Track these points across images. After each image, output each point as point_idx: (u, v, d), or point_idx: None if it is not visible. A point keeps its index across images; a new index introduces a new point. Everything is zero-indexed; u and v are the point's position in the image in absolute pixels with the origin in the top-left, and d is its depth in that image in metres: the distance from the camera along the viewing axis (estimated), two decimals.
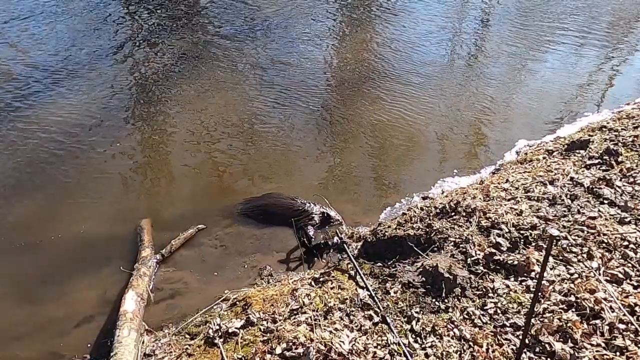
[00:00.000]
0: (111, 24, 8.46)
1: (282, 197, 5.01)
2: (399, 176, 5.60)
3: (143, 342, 3.51)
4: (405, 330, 3.14)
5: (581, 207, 3.97)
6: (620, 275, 3.28)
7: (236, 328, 3.30)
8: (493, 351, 2.94)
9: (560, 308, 3.09)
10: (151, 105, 6.55)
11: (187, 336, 3.55)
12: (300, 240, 4.52)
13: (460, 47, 8.47)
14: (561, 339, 2.92)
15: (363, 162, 5.76)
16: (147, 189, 5.35)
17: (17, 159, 5.48)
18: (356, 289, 3.52)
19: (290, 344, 3.01)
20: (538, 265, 3.42)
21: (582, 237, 3.64)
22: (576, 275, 3.32)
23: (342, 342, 3.02)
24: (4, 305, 4.04)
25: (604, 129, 5.33)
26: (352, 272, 3.74)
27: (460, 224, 3.96)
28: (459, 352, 2.95)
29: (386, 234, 4.11)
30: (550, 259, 3.47)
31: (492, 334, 3.04)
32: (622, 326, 2.92)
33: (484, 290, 3.33)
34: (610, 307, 3.03)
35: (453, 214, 4.13)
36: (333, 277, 3.70)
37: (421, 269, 3.51)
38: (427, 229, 3.95)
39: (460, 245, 3.69)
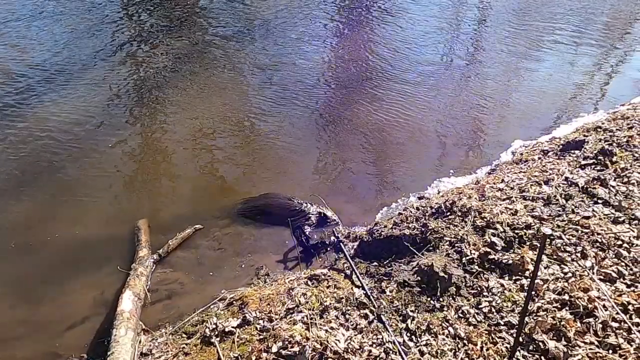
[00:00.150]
0: (110, 24, 8.48)
1: (280, 197, 5.03)
2: (396, 176, 5.62)
3: (140, 342, 3.53)
4: (401, 329, 3.16)
5: (575, 206, 4.00)
6: (614, 274, 3.31)
7: (233, 327, 3.32)
8: (487, 349, 2.97)
9: (554, 307, 3.12)
10: (150, 105, 6.57)
11: (184, 335, 3.57)
12: (298, 240, 4.54)
13: (457, 48, 8.50)
14: (555, 337, 2.95)
15: (360, 162, 5.79)
16: (144, 189, 5.36)
17: (16, 159, 5.50)
18: (352, 288, 3.54)
19: (286, 342, 3.03)
20: (532, 264, 3.45)
21: (577, 236, 3.67)
22: (570, 274, 3.35)
23: (338, 340, 3.04)
24: (2, 305, 4.05)
25: (599, 130, 5.36)
26: (348, 272, 3.76)
27: (456, 223, 3.98)
28: (453, 351, 2.98)
29: (382, 233, 4.14)
30: (545, 258, 3.50)
31: (487, 332, 3.07)
32: (615, 324, 2.95)
33: (478, 289, 3.36)
34: (604, 306, 3.06)
35: (449, 213, 4.16)
36: (329, 276, 3.72)
37: (417, 268, 3.54)
38: (423, 229, 3.98)
39: (456, 245, 3.72)
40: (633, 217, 3.79)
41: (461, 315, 3.20)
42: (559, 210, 3.98)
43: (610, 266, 3.38)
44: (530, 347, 2.92)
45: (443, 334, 3.09)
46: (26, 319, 3.93)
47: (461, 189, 4.86)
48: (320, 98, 6.93)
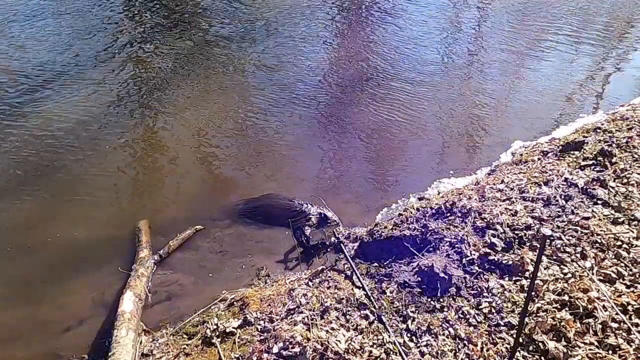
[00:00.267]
0: (111, 25, 8.48)
1: (280, 198, 5.04)
2: (396, 177, 5.63)
3: (141, 342, 3.54)
4: (401, 330, 3.17)
5: (575, 207, 4.01)
6: (613, 275, 3.32)
7: (233, 328, 3.33)
8: (487, 350, 2.98)
9: (554, 307, 3.14)
10: (150, 105, 6.58)
11: (185, 336, 3.58)
12: (298, 241, 4.55)
13: (457, 48, 8.51)
14: (555, 338, 2.96)
15: (360, 163, 5.80)
16: (145, 189, 5.37)
17: (16, 159, 5.51)
18: (352, 289, 3.55)
19: (287, 343, 3.04)
20: (532, 265, 3.46)
21: (576, 237, 3.68)
22: (570, 275, 3.37)
23: (339, 341, 3.05)
24: (2, 305, 4.05)
25: (598, 131, 5.38)
26: (349, 272, 3.77)
27: (456, 224, 3.99)
28: (453, 351, 2.99)
29: (382, 234, 4.15)
30: (545, 258, 3.51)
31: (487, 333, 3.08)
32: (614, 325, 2.96)
33: (478, 289, 3.37)
34: (603, 306, 3.07)
35: (449, 214, 4.17)
36: (330, 277, 3.73)
37: (417, 269, 3.55)
38: (423, 230, 3.99)
39: (456, 246, 3.73)
40: (632, 217, 3.80)
41: (461, 316, 3.21)
42: (558, 211, 3.99)
43: (610, 267, 3.39)
44: (530, 348, 2.93)
45: (443, 334, 3.10)
46: (27, 319, 3.95)
47: (461, 189, 4.87)
48: (320, 98, 6.94)
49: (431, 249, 3.79)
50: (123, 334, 3.47)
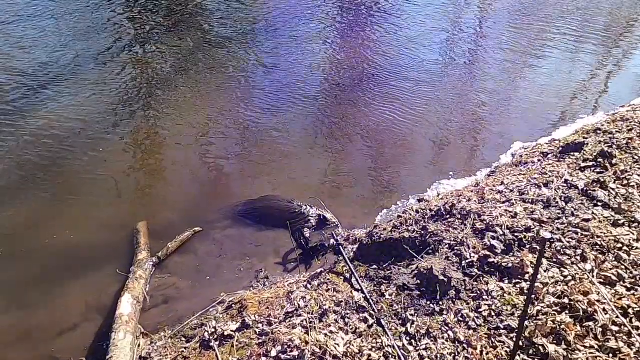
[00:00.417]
0: (110, 25, 8.46)
1: (279, 200, 5.03)
2: (395, 178, 5.62)
3: (139, 345, 3.52)
4: (400, 333, 3.15)
5: (575, 209, 3.99)
6: (614, 277, 3.30)
7: (232, 331, 3.31)
8: (487, 353, 2.96)
9: (554, 310, 3.11)
10: (149, 107, 6.56)
11: (183, 339, 3.56)
12: (297, 243, 4.53)
13: (455, 50, 8.50)
14: (555, 341, 2.94)
15: (359, 165, 5.78)
16: (143, 192, 5.35)
17: (9, 163, 5.47)
18: (351, 292, 3.53)
19: (286, 347, 3.02)
20: (532, 267, 3.44)
21: (576, 239, 3.66)
22: (570, 278, 3.34)
23: (337, 344, 3.03)
24: (3, 308, 4.03)
25: (598, 132, 5.36)
26: (348, 275, 3.76)
27: (455, 226, 3.97)
28: (453, 355, 2.97)
29: (382, 236, 4.12)
30: (544, 261, 3.49)
31: (487, 336, 3.06)
32: (615, 328, 2.94)
33: (478, 292, 3.35)
34: (604, 309, 3.05)
35: (448, 216, 4.15)
36: (328, 279, 3.71)
37: (416, 272, 3.53)
38: (423, 232, 3.97)
39: (455, 248, 3.71)
40: (633, 219, 3.78)
41: (461, 319, 3.19)
42: (558, 213, 3.97)
43: (610, 269, 3.37)
44: (530, 351, 2.91)
45: (443, 338, 3.08)
46: (23, 323, 3.93)
47: (461, 191, 4.85)
48: (319, 99, 6.93)
49: (430, 251, 3.77)
50: (121, 337, 3.46)
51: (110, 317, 3.84)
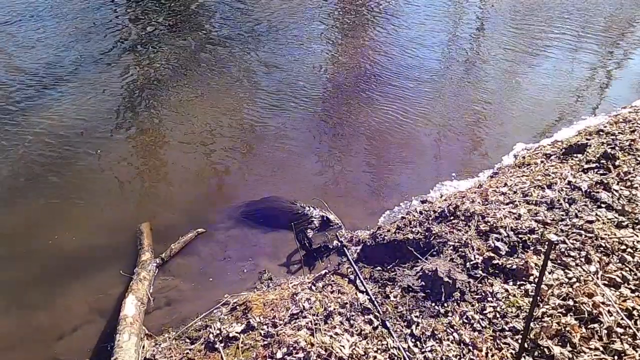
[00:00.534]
0: (110, 26, 8.46)
1: (282, 201, 5.03)
2: (397, 179, 5.62)
3: (143, 347, 3.52)
4: (405, 335, 3.16)
5: (579, 211, 3.99)
6: (618, 279, 3.31)
7: (237, 332, 3.31)
8: (492, 355, 2.96)
9: (558, 312, 3.12)
10: (147, 109, 6.55)
11: (187, 340, 3.56)
12: (301, 244, 4.53)
13: (456, 51, 8.50)
14: (560, 343, 2.94)
15: (361, 166, 5.78)
16: (145, 193, 5.34)
17: (10, 164, 5.46)
18: (356, 293, 3.54)
19: (291, 348, 3.03)
20: (537, 269, 3.45)
21: (580, 241, 3.66)
22: (574, 279, 3.35)
23: (343, 346, 3.04)
24: (2, 311, 4.03)
25: (601, 133, 5.36)
26: (352, 276, 3.76)
27: (459, 228, 3.98)
28: (458, 357, 2.97)
29: (385, 237, 4.13)
30: (549, 263, 3.49)
31: (492, 338, 3.07)
32: (620, 330, 2.95)
33: (483, 294, 3.35)
34: (609, 311, 3.06)
35: (452, 217, 4.15)
36: (333, 281, 3.71)
37: (421, 273, 3.53)
38: (427, 233, 3.97)
39: (459, 250, 3.72)
40: (637, 221, 3.78)
41: (466, 321, 3.19)
42: (562, 215, 3.97)
43: (615, 271, 3.38)
44: (536, 353, 2.92)
45: (448, 339, 3.08)
46: (28, 324, 3.92)
47: (464, 192, 4.86)
48: (320, 100, 6.93)
49: (435, 252, 3.77)
50: (125, 338, 3.46)
51: (113, 319, 3.84)
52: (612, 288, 3.26)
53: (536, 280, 3.36)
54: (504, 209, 4.14)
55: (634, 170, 4.42)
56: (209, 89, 6.99)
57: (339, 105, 6.83)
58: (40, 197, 5.07)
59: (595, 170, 4.58)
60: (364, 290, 3.52)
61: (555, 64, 8.08)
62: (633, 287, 3.23)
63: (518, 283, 3.41)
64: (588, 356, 2.85)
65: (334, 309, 3.36)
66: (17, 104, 6.39)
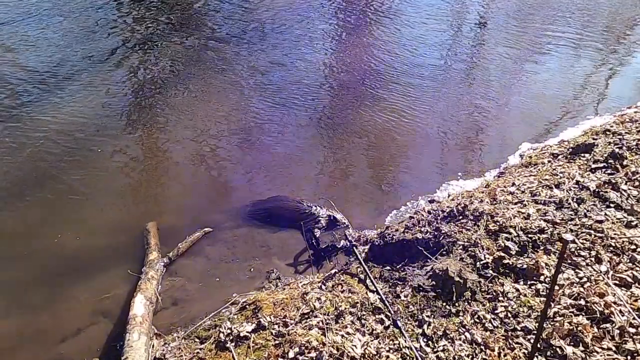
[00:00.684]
0: (108, 27, 8.38)
1: (289, 200, 5.02)
2: (404, 179, 5.61)
3: (153, 346, 3.51)
4: (417, 334, 3.15)
5: (588, 210, 3.99)
6: (629, 279, 3.31)
7: (247, 332, 3.30)
8: (505, 355, 2.96)
9: (570, 312, 3.12)
10: (152, 108, 6.51)
11: (197, 340, 3.55)
12: (308, 243, 4.53)
13: (460, 49, 8.49)
14: (572, 343, 2.94)
15: (367, 165, 5.77)
16: (150, 193, 5.31)
17: (16, 164, 5.42)
18: (366, 293, 3.53)
19: (303, 348, 3.02)
20: (547, 269, 3.45)
21: (590, 240, 3.67)
22: (585, 279, 3.35)
23: (355, 346, 3.03)
24: (10, 311, 4.01)
25: (607, 133, 5.36)
26: (362, 276, 3.75)
27: (468, 227, 3.98)
28: (471, 356, 2.97)
29: (394, 237, 4.12)
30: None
31: (504, 337, 3.07)
32: (632, 330, 2.95)
33: (494, 294, 3.35)
34: (620, 311, 3.06)
35: (461, 217, 4.15)
36: (343, 280, 3.70)
37: (431, 273, 3.53)
38: (436, 233, 3.97)
39: (469, 249, 3.71)
40: None
41: (477, 321, 3.19)
42: (571, 214, 3.97)
43: (625, 271, 3.38)
44: (548, 353, 2.91)
45: (460, 339, 3.08)
46: (37, 324, 3.91)
47: (471, 192, 4.85)
48: (324, 100, 6.91)
49: (444, 252, 3.77)
50: (135, 337, 3.45)
51: (120, 319, 3.83)
52: (623, 288, 3.26)
53: (547, 280, 3.37)
54: (512, 208, 4.14)
55: None
56: (213, 87, 6.96)
57: (343, 104, 6.82)
58: (44, 196, 5.04)
59: (603, 170, 4.58)
60: (375, 289, 3.52)
61: (559, 63, 8.08)
62: None
63: (529, 283, 3.41)
64: (601, 356, 2.85)
65: (345, 308, 3.35)
66: (21, 103, 6.35)
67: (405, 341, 3.08)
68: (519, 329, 3.11)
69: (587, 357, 2.85)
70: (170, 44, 8.00)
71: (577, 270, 3.45)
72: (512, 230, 3.83)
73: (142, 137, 6.04)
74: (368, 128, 6.33)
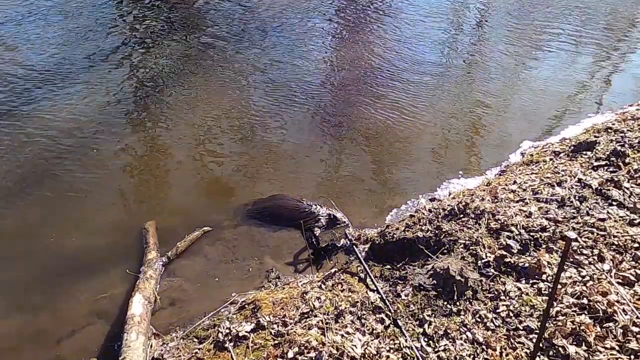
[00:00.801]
0: (108, 26, 8.35)
1: (288, 199, 4.98)
2: (403, 178, 5.57)
3: (151, 346, 3.48)
4: (418, 334, 3.12)
5: (590, 208, 3.95)
6: (632, 277, 3.26)
7: (246, 332, 3.27)
8: (507, 355, 2.92)
9: (572, 311, 3.08)
10: (151, 107, 6.49)
11: (195, 340, 3.52)
12: (309, 242, 4.49)
13: (460, 47, 8.46)
14: (575, 342, 2.90)
15: (367, 163, 5.74)
16: (149, 192, 5.29)
17: (16, 163, 5.40)
18: (367, 292, 3.50)
19: (302, 348, 2.99)
20: (549, 267, 3.41)
21: (592, 238, 3.62)
22: (588, 278, 3.31)
23: (355, 346, 3.00)
24: (8, 311, 3.98)
25: (609, 131, 5.32)
26: (362, 275, 3.72)
27: (470, 226, 3.94)
28: (472, 356, 2.93)
29: (395, 236, 4.09)
30: None
31: (505, 337, 3.03)
32: (635, 329, 2.91)
33: (495, 292, 3.31)
34: (623, 310, 3.02)
35: (462, 215, 4.11)
36: (343, 279, 3.67)
37: (432, 272, 3.49)
38: (437, 231, 3.93)
39: (471, 248, 3.67)
40: None
41: (479, 320, 3.15)
42: (573, 213, 3.93)
43: (628, 269, 3.34)
44: (551, 353, 2.87)
45: (461, 339, 3.04)
46: (31, 325, 3.88)
47: (472, 190, 4.82)
48: (324, 98, 6.88)
49: (445, 251, 3.73)
50: (133, 337, 3.42)
51: (118, 319, 3.81)
52: (626, 286, 3.22)
53: (549, 278, 3.33)
54: (514, 206, 4.10)
55: None
56: (214, 86, 6.93)
57: (343, 102, 6.78)
58: (43, 195, 5.02)
59: (605, 167, 4.54)
60: (375, 288, 3.48)
61: (560, 60, 8.04)
62: None
63: (531, 281, 3.37)
64: (604, 355, 2.81)
65: (345, 307, 3.32)
66: (22, 102, 6.33)
67: (406, 341, 3.04)
68: (521, 328, 3.07)
69: (590, 357, 2.81)
70: (170, 42, 7.97)
71: (579, 268, 3.41)
72: (513, 228, 3.79)
73: (142, 136, 6.01)
74: (368, 125, 6.30)
